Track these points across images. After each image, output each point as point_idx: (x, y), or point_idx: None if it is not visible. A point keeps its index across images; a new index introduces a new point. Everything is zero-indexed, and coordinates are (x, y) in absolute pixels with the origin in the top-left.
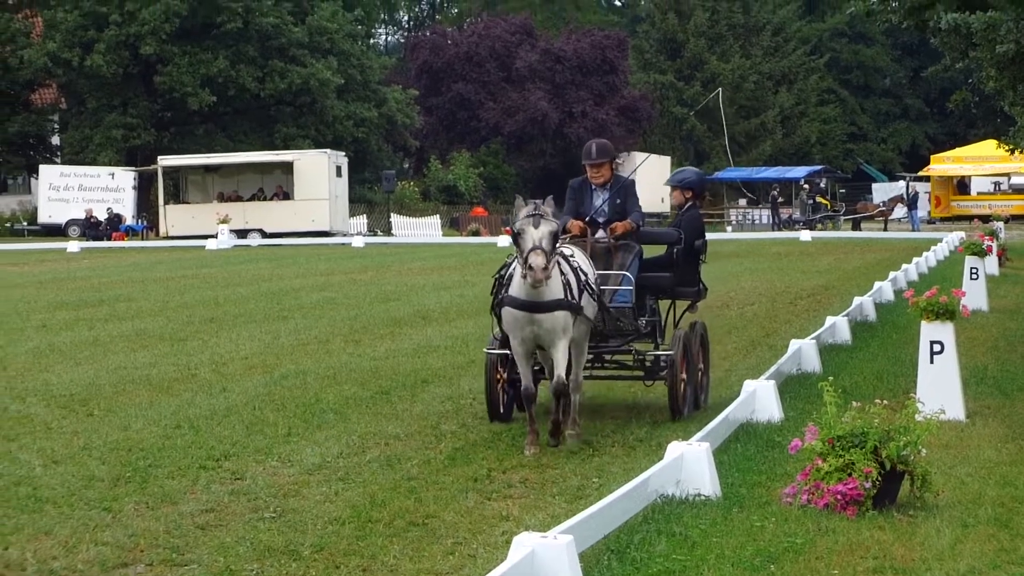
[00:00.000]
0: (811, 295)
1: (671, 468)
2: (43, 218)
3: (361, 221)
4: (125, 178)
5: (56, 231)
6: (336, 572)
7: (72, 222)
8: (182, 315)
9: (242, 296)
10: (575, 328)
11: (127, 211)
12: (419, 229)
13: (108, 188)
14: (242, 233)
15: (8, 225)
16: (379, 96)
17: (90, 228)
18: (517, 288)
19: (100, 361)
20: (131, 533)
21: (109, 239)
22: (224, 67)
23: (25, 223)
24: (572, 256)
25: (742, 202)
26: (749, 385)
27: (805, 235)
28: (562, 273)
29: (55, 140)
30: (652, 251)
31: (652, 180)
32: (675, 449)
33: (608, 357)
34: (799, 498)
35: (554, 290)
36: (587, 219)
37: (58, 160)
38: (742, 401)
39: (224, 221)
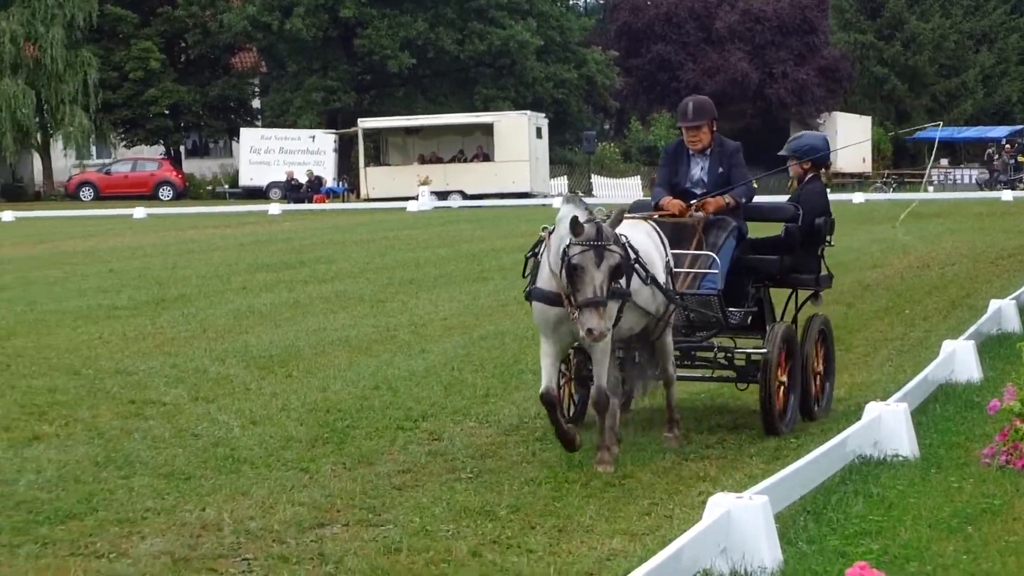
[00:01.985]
0: (1012, 255)
1: (869, 429)
2: (244, 181)
3: (562, 182)
4: (326, 141)
5: (257, 194)
6: (531, 533)
7: (273, 185)
8: (382, 277)
9: (442, 257)
10: (628, 318)
11: (328, 173)
12: (620, 190)
13: (309, 151)
14: (443, 195)
15: (210, 188)
16: (579, 57)
17: (291, 191)
18: (546, 280)
19: (299, 323)
20: (328, 494)
21: (310, 201)
22: (423, 29)
23: (227, 186)
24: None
25: (944, 162)
26: (948, 345)
27: (1007, 195)
28: None
29: (256, 103)
30: (761, 230)
31: (852, 140)
32: (873, 410)
33: (696, 354)
34: (997, 459)
35: None
36: (682, 191)
37: (259, 123)
38: (941, 361)
39: (425, 183)
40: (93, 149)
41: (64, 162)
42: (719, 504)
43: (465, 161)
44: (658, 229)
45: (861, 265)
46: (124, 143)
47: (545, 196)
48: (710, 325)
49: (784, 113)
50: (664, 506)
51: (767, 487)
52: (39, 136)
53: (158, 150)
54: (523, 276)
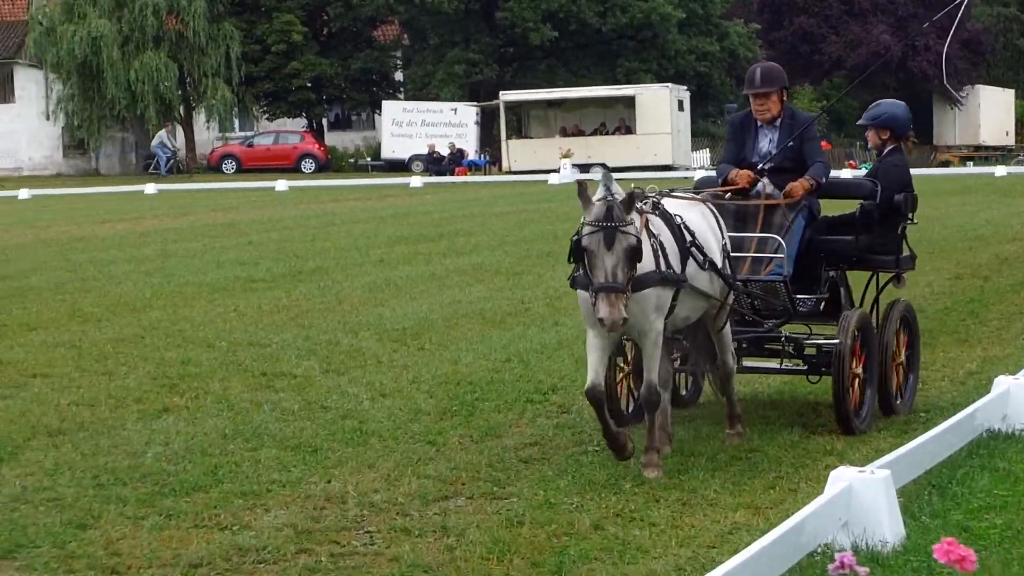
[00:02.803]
0: None
1: (997, 402)
2: (386, 153)
3: (704, 155)
4: (467, 113)
5: (399, 166)
6: (655, 506)
7: (415, 157)
8: (519, 249)
9: None
10: (684, 305)
11: (469, 146)
12: None
13: (451, 123)
14: (584, 167)
15: (352, 161)
16: (721, 30)
17: (433, 163)
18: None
19: (435, 295)
20: (453, 466)
21: (451, 174)
22: (565, 2)
23: (369, 159)
24: (663, 205)
25: None
26: None
27: None
28: (651, 235)
29: (398, 76)
30: (836, 208)
31: (995, 113)
32: (1002, 383)
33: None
34: None
35: (644, 260)
36: (749, 166)
37: (401, 96)
38: None
39: (567, 155)
40: (236, 122)
41: (207, 135)
42: (841, 478)
43: (607, 134)
44: (714, 210)
45: (1000, 238)
46: (266, 116)
47: (687, 169)
48: (777, 313)
49: (927, 86)
50: (789, 480)
51: (890, 461)
52: (182, 109)
53: (300, 123)
54: (568, 262)
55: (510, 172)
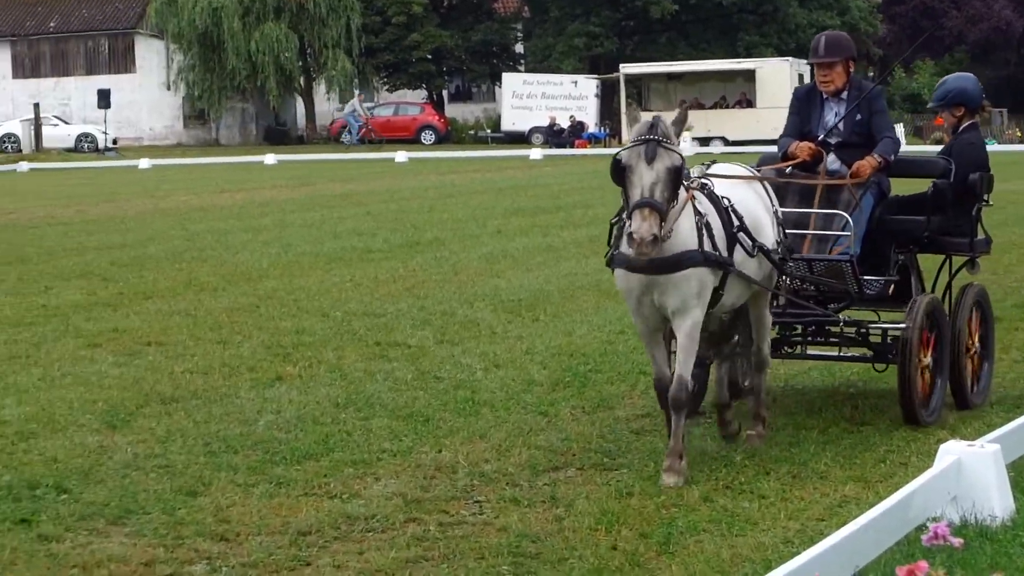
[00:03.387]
0: None
1: None
2: (506, 126)
3: None
4: (588, 86)
5: (519, 139)
6: (765, 479)
7: (535, 129)
8: None
9: None
10: (731, 292)
11: (590, 119)
12: None
13: (571, 96)
14: (704, 141)
15: (472, 132)
16: (842, 4)
17: (552, 135)
18: (628, 243)
19: (551, 267)
20: (564, 437)
21: (571, 146)
22: None
23: (489, 131)
24: (711, 186)
25: None
26: None
27: None
28: (697, 212)
29: (518, 48)
30: (906, 187)
31: None
32: None
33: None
34: None
35: (680, 239)
36: (816, 140)
37: (521, 68)
38: None
39: (686, 129)
40: (356, 93)
41: (327, 106)
42: (950, 452)
43: (727, 107)
44: (765, 184)
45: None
46: (387, 87)
47: None
48: (842, 296)
49: None
50: (900, 454)
51: (1000, 435)
52: (302, 80)
53: (420, 94)
54: (608, 245)
55: None
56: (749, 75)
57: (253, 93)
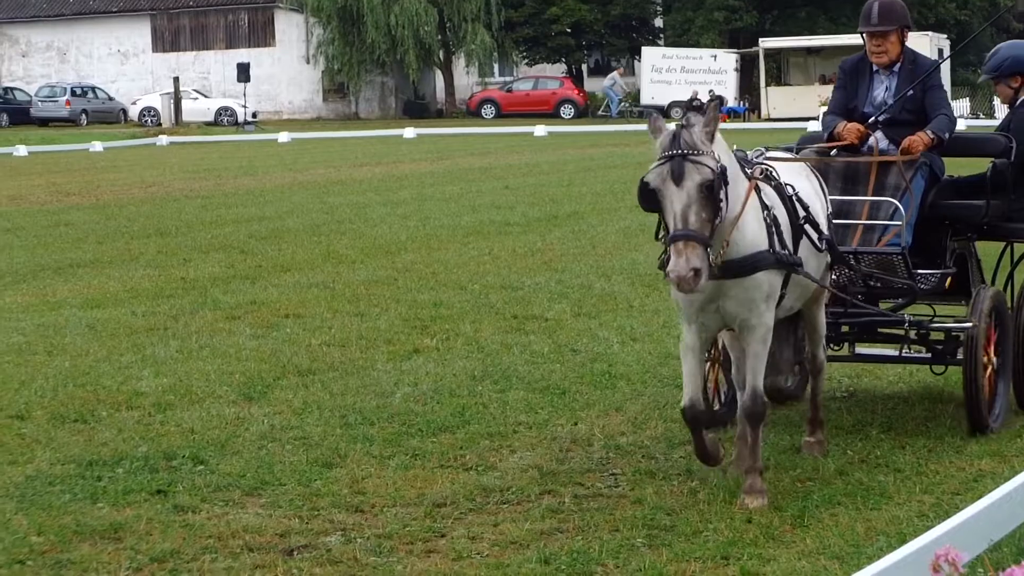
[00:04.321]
0: None
1: None
2: (646, 100)
3: (963, 104)
4: (727, 60)
5: (659, 113)
6: (900, 452)
7: (674, 104)
8: None
9: None
10: (792, 293)
11: (729, 93)
12: None
13: (710, 70)
14: None
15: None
16: None
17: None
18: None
19: None
20: None
21: None
22: None
23: (627, 104)
24: (775, 172)
25: None
26: None
27: None
28: (764, 206)
29: (657, 22)
30: (959, 166)
31: None
32: None
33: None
34: None
35: (749, 238)
36: (861, 117)
37: (660, 42)
38: None
39: (825, 103)
40: (495, 67)
41: (466, 80)
42: None
43: None
44: (814, 170)
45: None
46: (526, 61)
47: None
48: (895, 292)
49: None
50: None
51: None
52: (441, 54)
53: (560, 68)
54: (656, 239)
55: (769, 119)
56: None
57: (392, 67)
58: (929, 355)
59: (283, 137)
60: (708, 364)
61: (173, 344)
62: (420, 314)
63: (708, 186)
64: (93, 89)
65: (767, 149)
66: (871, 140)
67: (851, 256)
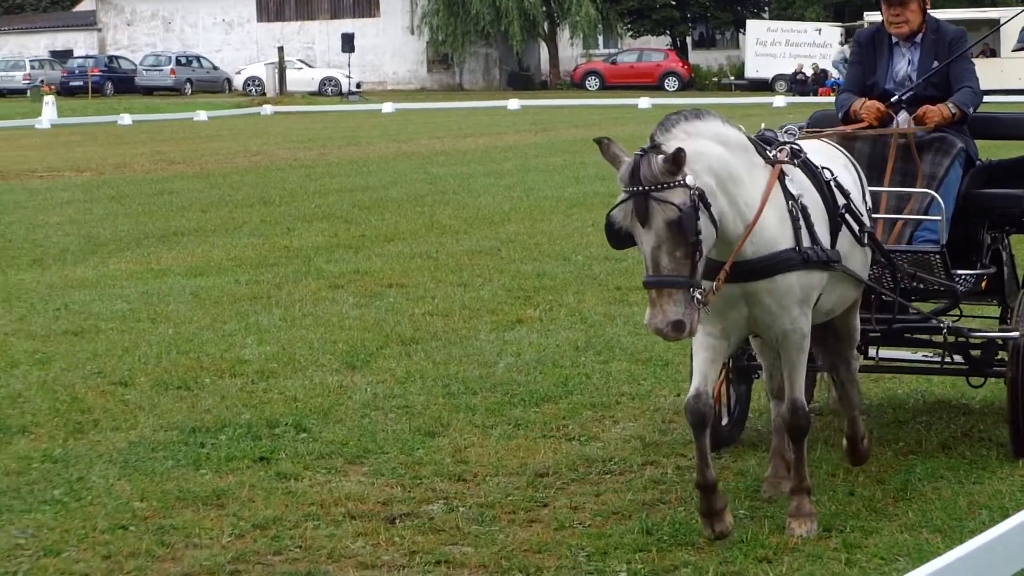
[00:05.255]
0: None
1: None
2: (750, 73)
3: None
4: (832, 34)
5: (762, 86)
6: (1004, 427)
7: (779, 77)
8: None
9: None
10: (832, 293)
11: (833, 67)
12: None
13: (815, 44)
14: None
15: (715, 80)
16: None
17: (796, 83)
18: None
19: None
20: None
21: (815, 95)
22: None
23: (732, 77)
24: (805, 154)
25: None
26: None
27: None
28: (788, 196)
29: None
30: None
31: None
32: None
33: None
34: None
35: (768, 236)
36: (882, 94)
37: (765, 15)
38: None
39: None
40: (599, 39)
41: (570, 52)
42: None
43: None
44: (851, 157)
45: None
46: (630, 33)
47: None
48: (932, 294)
49: None
50: None
51: None
52: (546, 26)
53: (664, 40)
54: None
55: None
56: (993, 24)
57: (497, 38)
58: (966, 365)
59: (387, 107)
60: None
61: (276, 312)
62: (523, 284)
63: (677, 223)
64: (198, 58)
65: (800, 129)
66: (895, 123)
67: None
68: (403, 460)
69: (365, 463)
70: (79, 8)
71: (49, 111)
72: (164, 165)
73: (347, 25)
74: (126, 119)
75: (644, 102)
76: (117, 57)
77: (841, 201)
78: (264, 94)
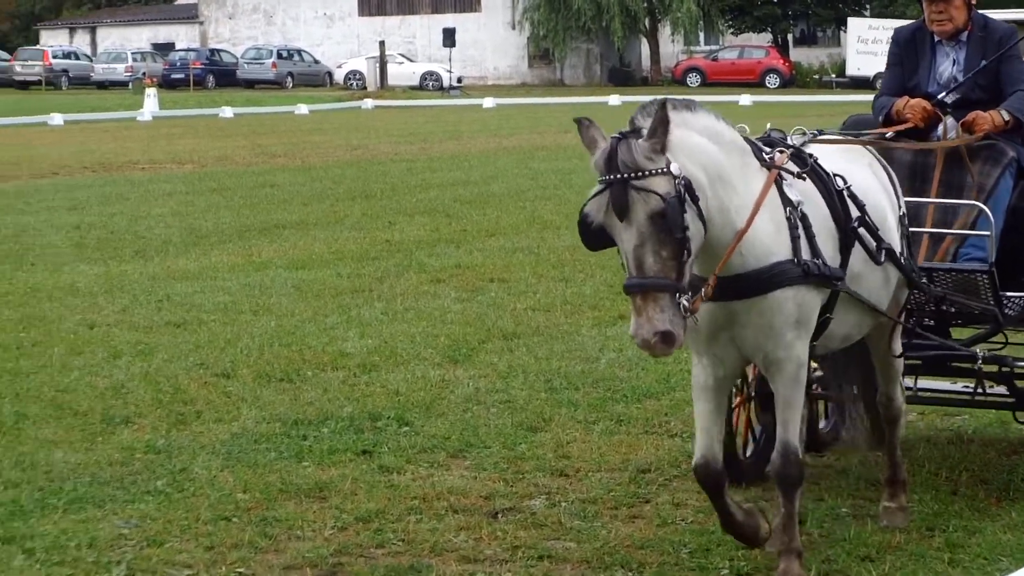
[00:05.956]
0: None
1: None
2: (851, 71)
3: None
4: None
5: (864, 84)
6: None
7: (880, 75)
8: None
9: None
10: (846, 316)
11: None
12: None
13: None
14: None
15: (816, 77)
16: None
17: None
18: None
19: None
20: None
21: None
22: None
23: (833, 75)
24: (813, 156)
25: None
26: None
27: None
28: (786, 203)
29: None
30: None
31: None
32: None
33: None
34: None
35: (761, 245)
36: (925, 99)
37: (867, 13)
38: None
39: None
40: (700, 35)
41: (671, 48)
42: None
43: None
44: (882, 160)
45: None
46: (731, 30)
47: None
48: (975, 318)
49: None
50: None
51: None
52: (647, 22)
53: (765, 38)
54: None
55: None
56: None
57: (598, 34)
58: (1012, 398)
59: (488, 102)
60: (737, 400)
61: (378, 306)
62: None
63: (661, 215)
64: (299, 52)
65: (820, 132)
66: (940, 127)
67: (926, 274)
68: (505, 455)
69: (467, 457)
70: (181, 1)
71: (151, 104)
72: (265, 158)
73: (448, 20)
74: (227, 112)
75: (745, 99)
76: (218, 50)
77: (855, 213)
78: (365, 88)
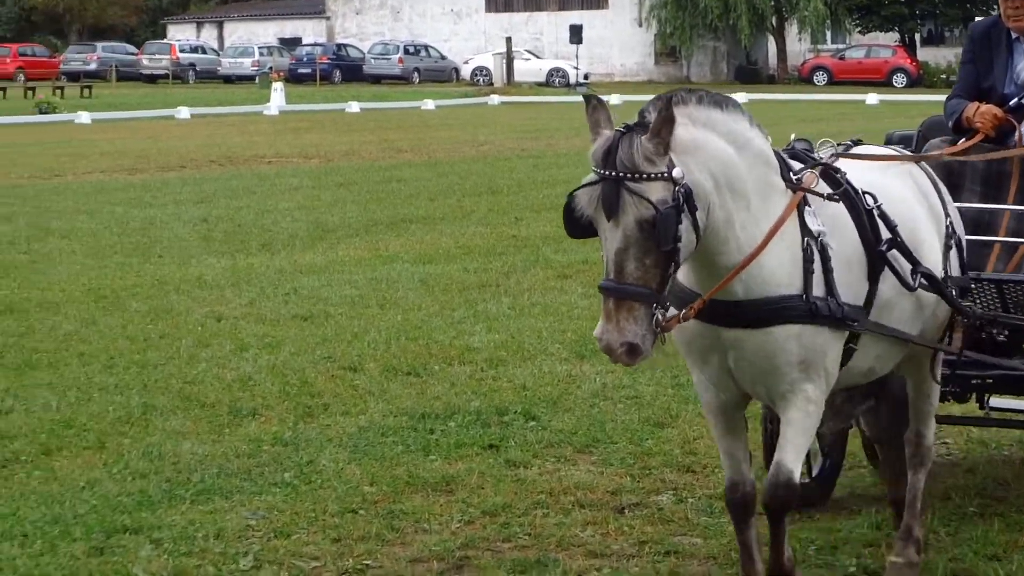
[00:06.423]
0: None
1: None
2: None
3: None
4: None
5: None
6: None
7: None
8: None
9: None
10: (869, 350)
11: None
12: None
13: None
14: None
15: (943, 77)
16: None
17: None
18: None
19: None
20: None
21: None
22: None
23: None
24: (842, 173)
25: None
26: None
27: None
28: (805, 232)
29: None
30: None
31: None
32: None
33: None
34: None
35: (769, 274)
36: (1001, 100)
37: (995, 13)
38: None
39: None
40: (827, 34)
41: (798, 46)
42: None
43: None
44: (928, 169)
45: None
46: (859, 29)
47: None
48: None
49: None
50: None
51: None
52: (774, 20)
53: (893, 37)
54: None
55: None
56: None
57: (725, 31)
58: None
59: (615, 99)
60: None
61: (505, 301)
62: None
63: (651, 224)
64: (426, 47)
65: (857, 143)
66: (1016, 134)
67: (992, 287)
68: (632, 450)
69: (594, 452)
70: None
71: (277, 98)
72: (392, 153)
73: (575, 17)
74: (354, 107)
75: (872, 98)
76: (345, 45)
77: (885, 235)
78: (491, 84)
